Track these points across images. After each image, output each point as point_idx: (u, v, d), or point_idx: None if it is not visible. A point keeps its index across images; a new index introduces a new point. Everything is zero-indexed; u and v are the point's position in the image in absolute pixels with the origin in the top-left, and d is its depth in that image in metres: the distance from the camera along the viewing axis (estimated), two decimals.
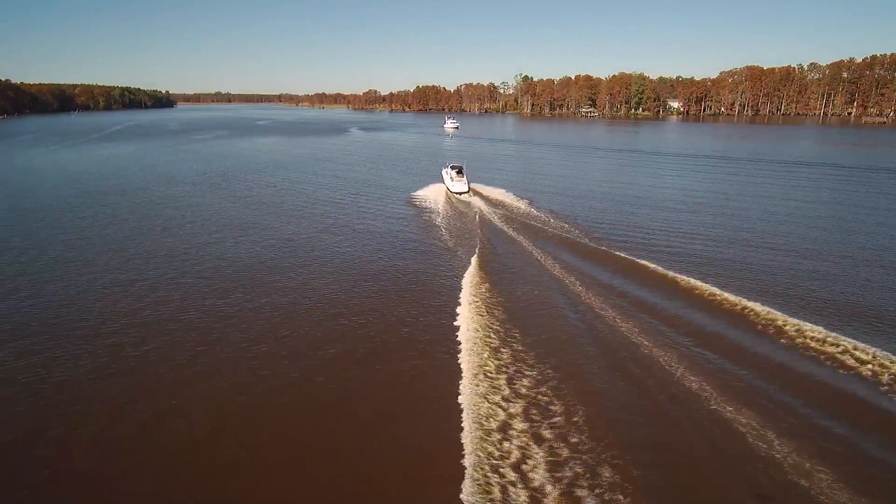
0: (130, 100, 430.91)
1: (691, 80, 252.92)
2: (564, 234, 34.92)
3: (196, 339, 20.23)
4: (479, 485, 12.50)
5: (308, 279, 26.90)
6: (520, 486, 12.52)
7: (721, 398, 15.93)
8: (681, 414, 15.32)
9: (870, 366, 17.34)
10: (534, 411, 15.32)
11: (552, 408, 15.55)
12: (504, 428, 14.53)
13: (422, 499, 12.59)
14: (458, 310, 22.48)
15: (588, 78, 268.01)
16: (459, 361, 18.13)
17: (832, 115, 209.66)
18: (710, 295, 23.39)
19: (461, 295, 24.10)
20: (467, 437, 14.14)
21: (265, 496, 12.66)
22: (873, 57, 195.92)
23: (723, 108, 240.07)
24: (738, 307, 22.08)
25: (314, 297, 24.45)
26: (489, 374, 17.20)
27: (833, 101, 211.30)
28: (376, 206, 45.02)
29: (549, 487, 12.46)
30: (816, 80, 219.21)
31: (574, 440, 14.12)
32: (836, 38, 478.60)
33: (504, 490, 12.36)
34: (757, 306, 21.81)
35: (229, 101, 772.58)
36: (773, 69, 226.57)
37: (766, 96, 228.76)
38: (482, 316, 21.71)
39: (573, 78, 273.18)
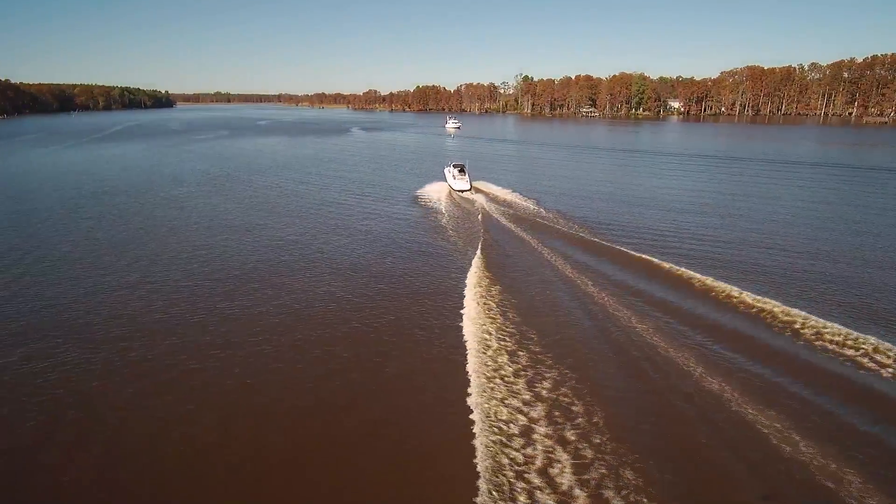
0: (130, 100, 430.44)
1: (691, 80, 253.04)
2: (570, 231, 35.10)
3: (204, 342, 20.03)
4: (498, 488, 12.36)
5: (316, 280, 26.72)
6: (534, 490, 12.37)
7: (742, 399, 15.77)
8: (702, 415, 15.14)
9: (890, 368, 17.22)
10: (555, 413, 15.14)
11: (573, 409, 15.38)
12: (526, 432, 14.33)
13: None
14: (466, 310, 22.29)
15: (588, 78, 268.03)
16: (469, 363, 17.89)
17: (833, 115, 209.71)
18: (727, 296, 23.26)
19: (469, 294, 23.98)
20: (483, 441, 13.94)
21: (275, 499, 12.53)
22: (874, 57, 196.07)
23: (723, 108, 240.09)
24: (755, 308, 21.94)
25: (322, 298, 24.26)
26: (506, 378, 17.01)
27: (834, 101, 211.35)
28: (381, 206, 44.87)
29: (576, 491, 12.31)
30: (817, 80, 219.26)
31: (597, 441, 13.96)
32: (836, 38, 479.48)
33: (520, 495, 12.23)
34: (775, 306, 21.67)
35: (229, 101, 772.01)
36: (773, 69, 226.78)
37: (767, 96, 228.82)
38: (492, 316, 21.53)
39: (573, 78, 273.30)
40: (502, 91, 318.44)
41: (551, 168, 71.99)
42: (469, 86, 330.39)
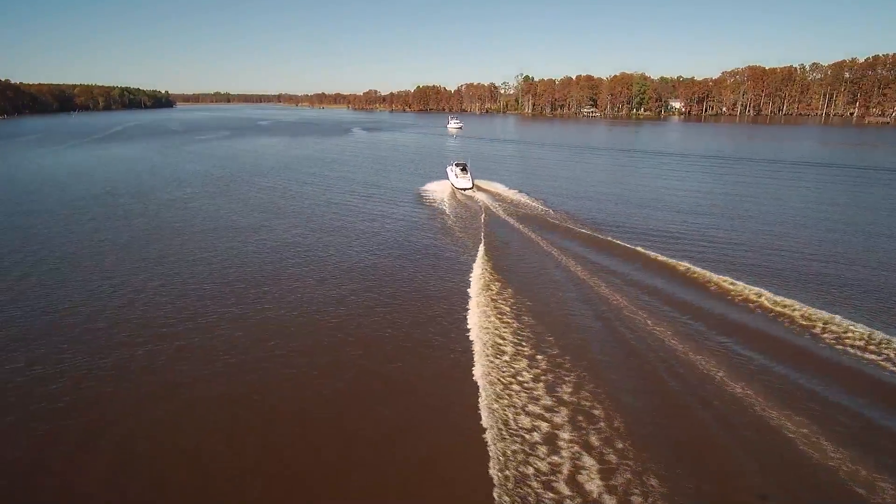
0: (130, 100, 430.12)
1: (692, 80, 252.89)
2: (578, 230, 35.18)
3: (211, 346, 19.74)
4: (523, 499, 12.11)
5: (323, 282, 26.46)
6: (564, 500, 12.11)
7: (766, 403, 15.51)
8: (724, 420, 14.87)
9: None
10: (579, 418, 14.87)
11: (595, 413, 15.11)
12: (550, 439, 14.06)
13: None
14: (476, 313, 21.91)
15: (589, 78, 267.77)
16: (482, 368, 17.57)
17: (834, 115, 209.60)
18: (743, 298, 23.01)
19: (478, 297, 23.67)
20: (502, 449, 13.68)
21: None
22: (875, 57, 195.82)
23: (724, 109, 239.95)
24: (774, 311, 21.64)
25: (330, 300, 23.99)
26: (525, 385, 16.72)
27: (835, 101, 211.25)
28: (386, 207, 44.62)
29: (604, 497, 12.06)
30: (818, 80, 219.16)
31: (620, 446, 13.70)
32: (838, 39, 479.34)
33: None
34: (794, 309, 21.40)
35: (228, 101, 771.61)
36: (774, 69, 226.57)
37: (768, 96, 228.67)
38: (506, 322, 21.15)
39: (574, 78, 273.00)
40: (503, 91, 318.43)
41: (553, 168, 71.76)
42: (469, 86, 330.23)
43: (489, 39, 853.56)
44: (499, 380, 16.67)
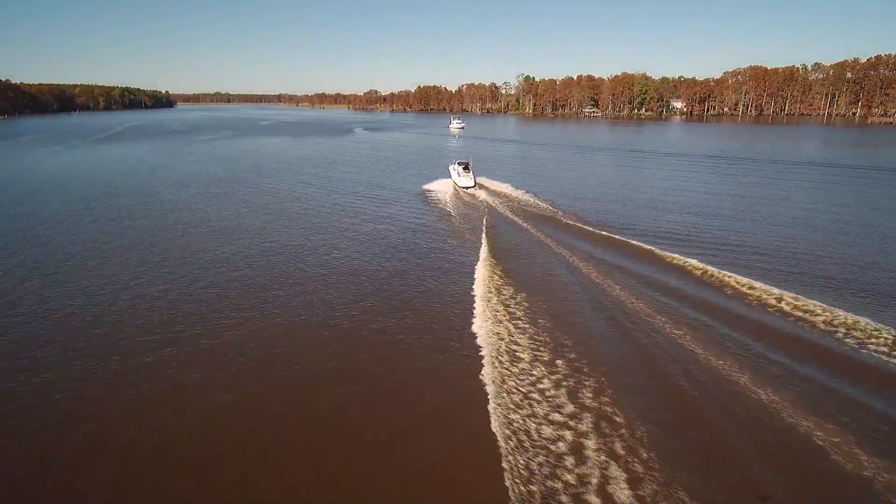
0: (130, 100, 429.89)
1: (693, 80, 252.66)
2: (585, 228, 35.23)
3: (217, 349, 19.36)
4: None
5: (330, 284, 26.03)
6: None
7: (793, 409, 15.09)
8: (749, 428, 14.43)
9: None
10: (603, 425, 14.46)
11: (616, 420, 14.72)
12: (576, 449, 13.66)
13: None
14: (486, 314, 21.51)
15: (590, 78, 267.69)
16: (493, 374, 17.25)
17: (836, 115, 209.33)
18: (758, 299, 22.61)
19: (486, 299, 23.27)
20: (523, 460, 13.32)
21: None
22: (877, 57, 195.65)
23: (726, 109, 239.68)
24: (795, 314, 21.23)
25: (338, 302, 23.58)
26: (546, 393, 16.32)
27: (837, 101, 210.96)
28: (392, 208, 44.26)
29: None
30: (820, 80, 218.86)
31: (644, 456, 13.29)
32: (840, 39, 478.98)
33: None
34: (814, 315, 20.99)
35: (229, 102, 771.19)
36: (776, 69, 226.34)
37: (770, 96, 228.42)
38: (521, 328, 20.74)
39: (575, 78, 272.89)
40: (504, 91, 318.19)
41: (556, 168, 71.39)
42: (470, 86, 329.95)
43: (490, 39, 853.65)
44: (517, 388, 16.20)
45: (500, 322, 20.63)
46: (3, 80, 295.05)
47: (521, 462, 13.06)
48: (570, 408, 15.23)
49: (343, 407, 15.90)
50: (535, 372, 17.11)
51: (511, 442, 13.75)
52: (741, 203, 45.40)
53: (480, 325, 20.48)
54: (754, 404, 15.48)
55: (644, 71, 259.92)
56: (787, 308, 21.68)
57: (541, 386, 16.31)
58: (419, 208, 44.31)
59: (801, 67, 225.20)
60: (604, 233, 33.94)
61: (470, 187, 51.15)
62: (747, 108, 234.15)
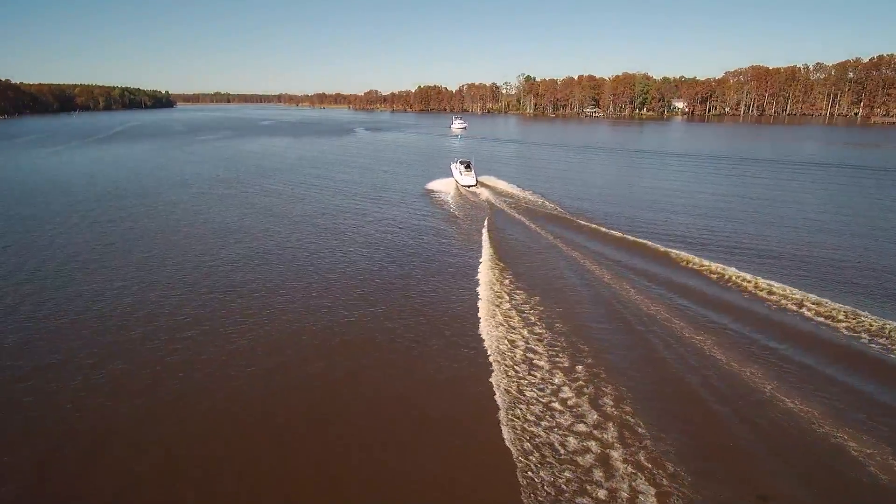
0: (130, 100, 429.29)
1: (695, 80, 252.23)
2: (590, 228, 35.24)
3: (220, 354, 18.92)
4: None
5: (337, 285, 25.57)
6: None
7: (824, 420, 14.58)
8: (780, 440, 13.95)
9: None
10: (627, 436, 13.99)
11: (639, 431, 14.24)
12: (603, 460, 13.21)
13: None
14: (499, 319, 21.02)
15: (591, 78, 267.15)
16: (504, 379, 16.83)
17: (838, 115, 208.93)
18: (779, 305, 22.13)
19: (494, 300, 22.87)
20: (543, 474, 12.86)
21: None
22: (880, 57, 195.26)
23: (728, 109, 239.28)
24: (816, 318, 20.74)
25: (344, 305, 23.11)
26: (568, 403, 15.89)
27: (839, 101, 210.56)
28: (396, 209, 43.81)
29: None
30: (822, 80, 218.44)
31: (672, 470, 12.81)
32: (841, 39, 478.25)
33: None
34: (839, 316, 20.54)
35: (229, 102, 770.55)
36: (778, 69, 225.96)
37: (772, 96, 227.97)
38: (537, 334, 20.33)
39: (576, 78, 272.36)
40: (504, 91, 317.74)
41: (560, 168, 70.90)
42: (471, 86, 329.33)
43: (491, 39, 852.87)
44: (537, 399, 15.63)
45: (514, 329, 20.10)
46: (3, 80, 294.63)
47: (547, 478, 12.57)
48: (593, 417, 14.75)
49: (351, 415, 15.43)
50: (555, 380, 16.61)
51: (533, 457, 13.26)
52: (751, 205, 44.88)
53: (493, 331, 19.99)
54: (782, 413, 15.00)
55: (645, 71, 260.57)
56: (808, 313, 21.19)
57: (562, 395, 15.80)
58: (423, 209, 43.94)
59: (802, 67, 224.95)
60: (615, 233, 33.55)
61: (472, 186, 51.52)
62: (749, 108, 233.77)
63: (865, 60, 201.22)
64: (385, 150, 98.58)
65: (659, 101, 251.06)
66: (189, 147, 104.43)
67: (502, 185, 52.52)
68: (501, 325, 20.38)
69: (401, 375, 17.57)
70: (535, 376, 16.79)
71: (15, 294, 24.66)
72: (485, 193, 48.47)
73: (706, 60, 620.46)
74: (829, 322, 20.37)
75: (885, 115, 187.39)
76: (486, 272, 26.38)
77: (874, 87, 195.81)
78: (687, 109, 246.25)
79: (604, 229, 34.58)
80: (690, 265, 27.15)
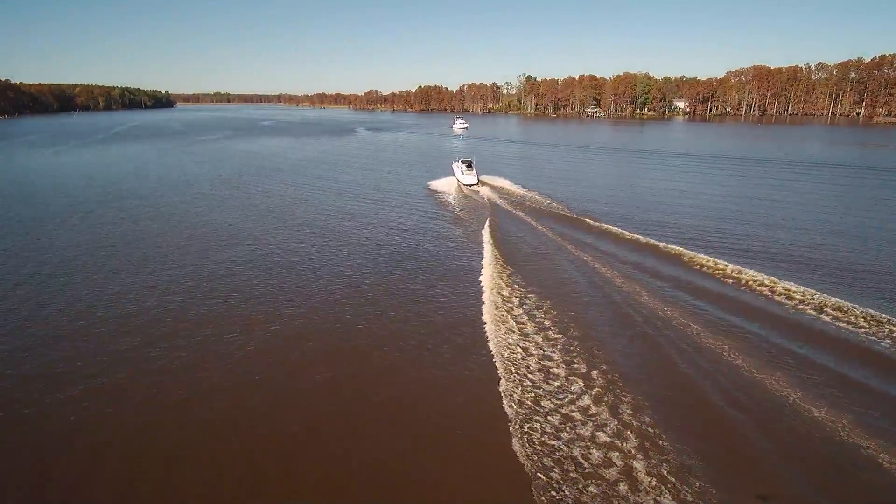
0: (130, 100, 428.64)
1: (694, 79, 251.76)
2: (595, 227, 35.17)
3: (223, 358, 18.50)
4: None
5: (341, 287, 25.07)
6: None
7: (853, 429, 14.10)
8: (805, 449, 13.49)
9: None
10: (648, 446, 13.53)
11: (660, 443, 13.77)
12: (628, 472, 12.73)
13: None
14: (510, 324, 20.54)
15: (592, 78, 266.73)
16: (515, 385, 16.36)
17: (840, 115, 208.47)
18: (796, 309, 21.64)
19: (503, 305, 22.33)
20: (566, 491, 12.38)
21: None
22: (882, 57, 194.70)
23: (729, 108, 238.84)
24: (839, 325, 20.26)
25: (348, 308, 22.63)
26: (588, 412, 15.41)
27: (841, 101, 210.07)
28: (399, 210, 43.31)
29: None
30: (823, 79, 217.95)
31: (698, 487, 12.35)
32: (843, 38, 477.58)
33: None
34: (860, 321, 20.08)
35: (228, 102, 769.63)
36: (780, 69, 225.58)
37: (774, 96, 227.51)
38: (551, 339, 19.85)
39: (577, 78, 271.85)
40: (505, 91, 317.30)
41: (562, 168, 70.43)
42: (471, 86, 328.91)
43: (491, 39, 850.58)
44: (556, 410, 15.13)
45: (528, 336, 19.51)
46: (3, 80, 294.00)
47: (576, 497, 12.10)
48: (613, 426, 14.26)
49: (358, 425, 14.95)
50: (573, 388, 16.12)
51: (564, 472, 12.78)
52: (760, 206, 44.33)
53: (504, 338, 19.42)
54: (809, 423, 14.51)
55: (646, 70, 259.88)
56: (828, 318, 20.70)
57: (581, 404, 15.30)
58: (427, 209, 43.56)
59: (804, 67, 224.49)
60: (626, 234, 33.11)
61: (473, 185, 51.73)
62: (750, 108, 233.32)
63: (868, 60, 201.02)
64: (386, 150, 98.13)
65: (660, 100, 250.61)
66: (190, 147, 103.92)
67: (504, 184, 52.81)
68: (513, 331, 19.86)
69: (410, 384, 17.07)
70: (553, 385, 16.28)
71: (12, 297, 24.19)
72: (487, 192, 48.58)
73: (708, 60, 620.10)
74: (848, 327, 19.90)
75: (887, 115, 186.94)
76: (493, 275, 25.91)
77: (876, 87, 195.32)
78: (688, 109, 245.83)
79: (613, 230, 34.19)
80: (704, 268, 26.65)
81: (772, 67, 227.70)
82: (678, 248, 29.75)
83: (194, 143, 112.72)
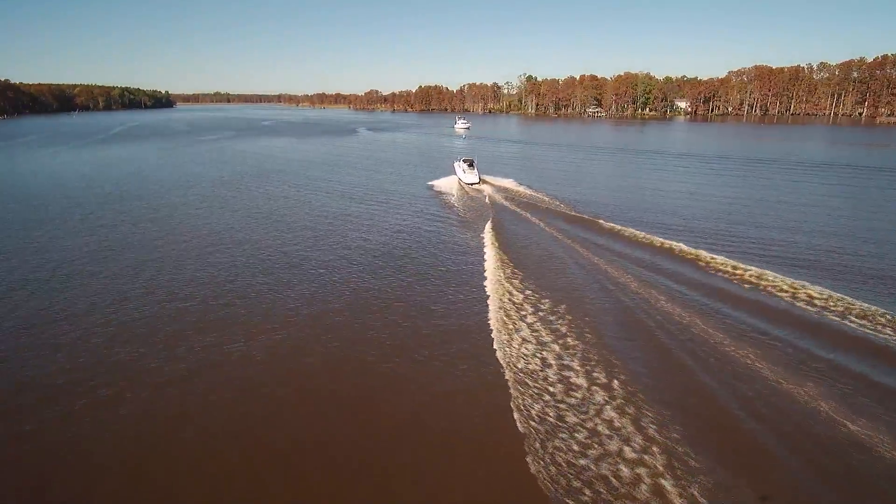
0: (130, 100, 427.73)
1: (696, 79, 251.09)
2: (599, 227, 35.02)
3: (225, 365, 17.95)
4: None
5: (345, 289, 24.52)
6: None
7: (893, 444, 13.47)
8: (838, 466, 12.87)
9: None
10: (674, 463, 12.86)
11: (679, 448, 13.11)
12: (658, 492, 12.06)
13: None
14: (524, 330, 19.92)
15: (593, 78, 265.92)
16: (537, 403, 15.69)
17: (842, 115, 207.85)
18: (819, 314, 20.97)
19: (512, 310, 21.74)
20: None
21: None
22: (884, 56, 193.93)
23: (730, 108, 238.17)
24: (865, 329, 19.60)
25: (352, 310, 22.11)
26: (606, 420, 14.74)
27: (843, 101, 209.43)
28: (401, 211, 42.73)
29: None
30: (825, 79, 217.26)
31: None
32: (845, 38, 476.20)
33: None
34: (886, 331, 19.38)
35: (228, 101, 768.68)
36: (781, 69, 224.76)
37: (775, 96, 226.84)
38: (564, 341, 19.21)
39: (578, 78, 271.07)
40: (506, 91, 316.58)
41: (564, 168, 69.89)
42: (472, 86, 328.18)
43: (492, 39, 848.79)
44: (581, 426, 14.50)
45: (545, 345, 18.87)
46: (3, 80, 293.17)
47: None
48: (639, 441, 13.60)
49: (363, 437, 14.34)
50: (596, 398, 15.46)
51: (585, 496, 12.11)
52: (771, 207, 43.59)
53: (518, 348, 18.75)
54: (844, 438, 13.85)
55: (647, 70, 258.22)
56: (852, 324, 20.04)
57: (605, 417, 14.65)
58: (431, 210, 43.13)
59: (806, 67, 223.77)
60: (640, 235, 32.49)
61: (475, 184, 51.84)
62: (752, 108, 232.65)
63: (870, 60, 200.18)
64: (388, 150, 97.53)
65: (661, 100, 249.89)
66: (190, 148, 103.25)
67: (509, 184, 52.61)
68: (529, 340, 19.17)
69: (418, 393, 16.44)
70: (575, 397, 15.60)
71: (10, 299, 23.54)
72: (493, 193, 48.25)
73: (709, 60, 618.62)
74: (874, 334, 19.23)
75: (889, 115, 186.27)
76: (499, 278, 25.33)
77: (878, 87, 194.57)
78: (690, 109, 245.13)
79: (627, 231, 33.58)
80: (721, 272, 25.98)
81: (774, 67, 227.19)
82: (693, 250, 29.10)
83: (195, 144, 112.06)
